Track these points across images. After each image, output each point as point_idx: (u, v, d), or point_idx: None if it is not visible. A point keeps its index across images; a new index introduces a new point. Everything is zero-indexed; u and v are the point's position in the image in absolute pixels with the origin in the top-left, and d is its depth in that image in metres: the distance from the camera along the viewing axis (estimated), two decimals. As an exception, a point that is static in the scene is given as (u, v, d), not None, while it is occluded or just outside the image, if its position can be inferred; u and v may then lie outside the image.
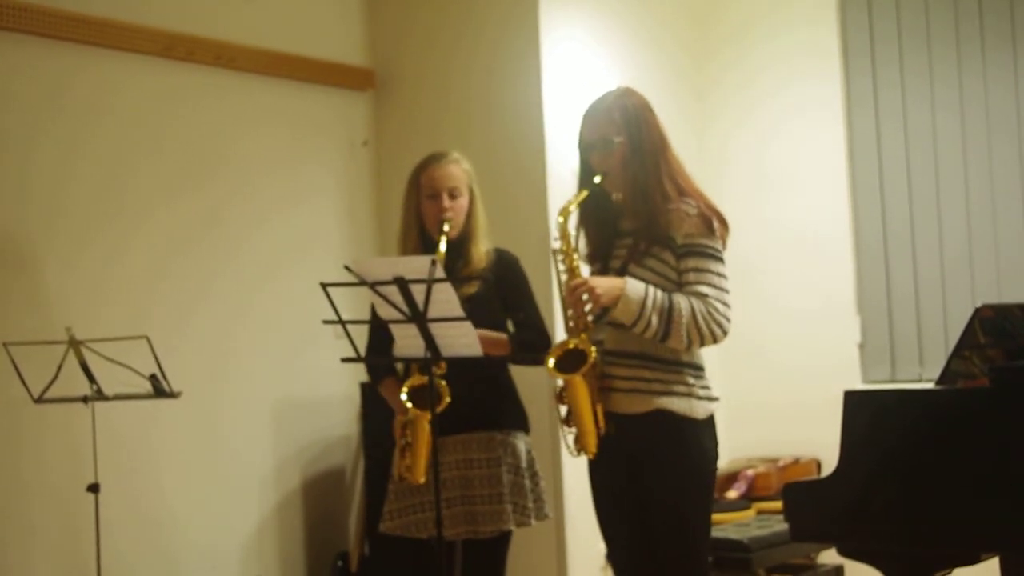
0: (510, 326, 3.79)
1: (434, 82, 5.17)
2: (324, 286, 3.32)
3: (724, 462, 5.19)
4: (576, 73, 5.01)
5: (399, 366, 3.84)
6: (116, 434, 4.04)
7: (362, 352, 3.74)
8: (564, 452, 4.15)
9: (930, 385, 3.35)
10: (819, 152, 5.49)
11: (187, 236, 4.51)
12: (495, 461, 3.74)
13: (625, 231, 3.37)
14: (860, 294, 5.43)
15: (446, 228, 3.72)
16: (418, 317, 3.25)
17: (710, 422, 3.31)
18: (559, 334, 3.62)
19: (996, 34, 5.13)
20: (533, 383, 4.06)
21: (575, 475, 4.36)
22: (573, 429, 3.32)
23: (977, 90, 5.18)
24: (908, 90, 5.32)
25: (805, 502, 3.19)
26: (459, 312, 3.24)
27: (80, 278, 4.19)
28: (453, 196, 3.78)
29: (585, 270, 3.44)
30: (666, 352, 3.26)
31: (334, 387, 4.95)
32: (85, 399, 3.76)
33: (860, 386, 5.23)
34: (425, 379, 3.47)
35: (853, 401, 3.11)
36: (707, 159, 5.54)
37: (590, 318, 3.30)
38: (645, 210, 3.29)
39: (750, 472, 5.22)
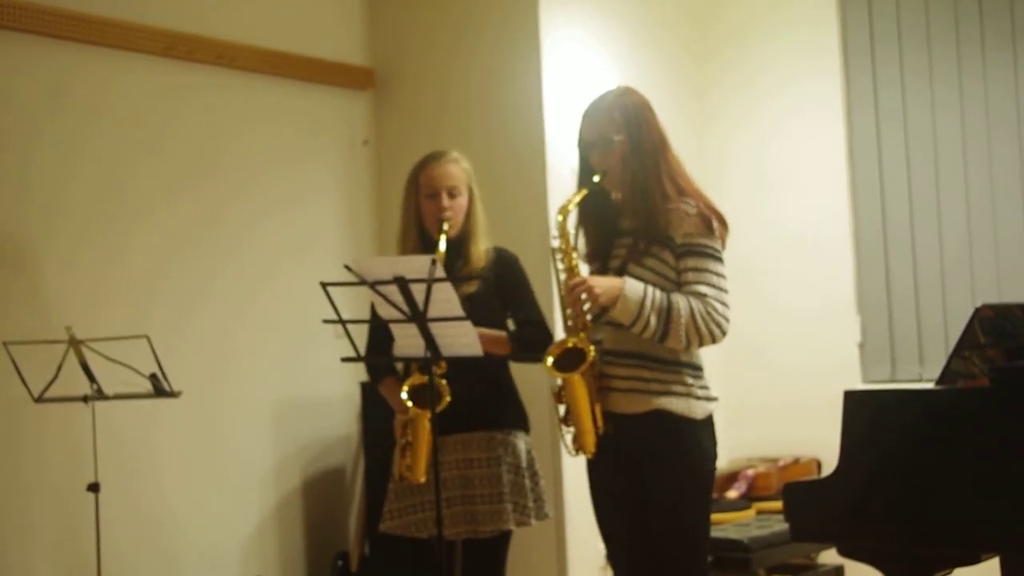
0: (510, 325, 3.79)
1: (434, 82, 5.17)
2: (324, 285, 3.32)
3: (724, 462, 5.19)
4: (576, 73, 5.01)
5: (399, 365, 3.84)
6: (116, 434, 4.04)
7: (362, 352, 3.74)
8: (564, 452, 4.14)
9: (930, 385, 3.34)
10: (819, 152, 5.49)
11: (187, 236, 4.52)
12: (495, 460, 3.73)
13: (624, 230, 3.36)
14: (860, 294, 5.43)
15: (445, 227, 3.72)
16: (418, 316, 3.25)
17: (709, 422, 3.31)
18: (559, 334, 3.61)
19: (996, 34, 5.13)
20: (533, 383, 4.06)
21: (575, 475, 4.35)
22: (572, 428, 3.31)
23: (977, 90, 5.17)
24: (908, 90, 5.31)
25: (805, 502, 3.19)
26: (459, 311, 3.24)
27: (80, 278, 4.19)
28: (452, 195, 3.78)
29: (584, 269, 3.43)
30: (665, 352, 3.26)
31: (334, 387, 4.95)
32: (85, 398, 3.76)
33: (860, 386, 5.22)
34: (425, 378, 3.47)
35: (853, 401, 3.11)
36: (707, 159, 5.53)
37: (589, 317, 3.30)
38: (644, 209, 3.28)
39: (750, 472, 5.22)
